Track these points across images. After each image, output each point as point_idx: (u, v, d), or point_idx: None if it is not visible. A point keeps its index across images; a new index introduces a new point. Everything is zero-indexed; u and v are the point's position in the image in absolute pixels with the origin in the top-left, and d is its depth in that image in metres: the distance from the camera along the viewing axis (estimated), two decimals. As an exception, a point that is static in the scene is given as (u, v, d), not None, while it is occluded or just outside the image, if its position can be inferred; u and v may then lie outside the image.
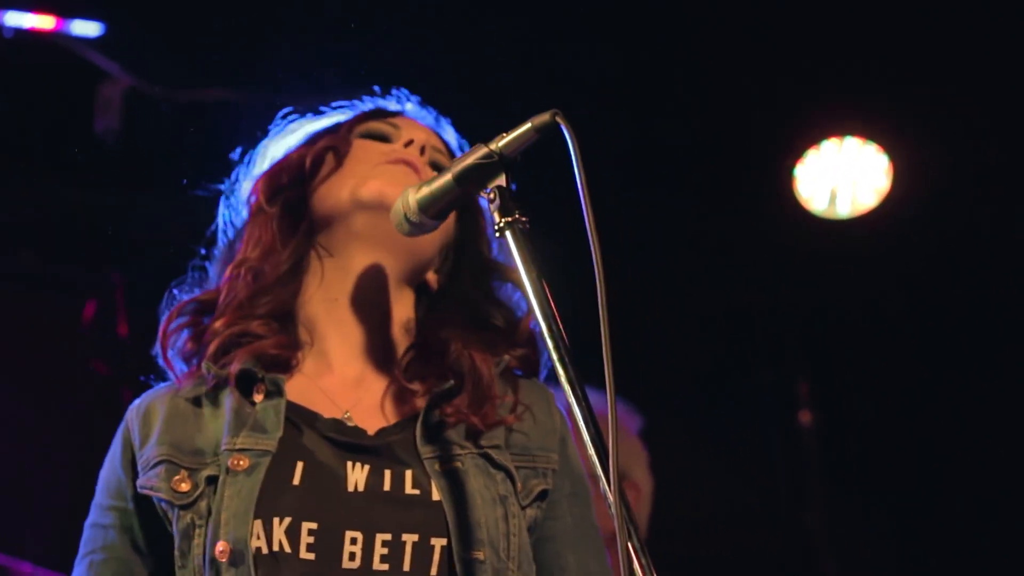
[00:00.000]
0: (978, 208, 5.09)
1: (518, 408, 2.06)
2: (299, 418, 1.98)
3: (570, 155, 1.73)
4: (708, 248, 5.24)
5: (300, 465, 1.90)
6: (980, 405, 5.25)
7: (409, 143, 2.12)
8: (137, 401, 2.06)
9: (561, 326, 1.74)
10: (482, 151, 1.84)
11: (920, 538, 5.52)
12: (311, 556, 1.83)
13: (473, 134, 1.90)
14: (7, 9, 4.28)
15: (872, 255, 5.23)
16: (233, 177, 2.24)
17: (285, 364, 2.03)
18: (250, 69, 4.05)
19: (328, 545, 1.84)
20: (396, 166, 2.08)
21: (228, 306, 2.06)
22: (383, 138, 2.17)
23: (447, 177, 1.87)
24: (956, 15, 4.55)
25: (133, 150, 4.38)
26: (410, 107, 2.28)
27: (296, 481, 1.89)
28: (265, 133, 2.28)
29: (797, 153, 5.20)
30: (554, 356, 1.72)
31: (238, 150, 2.26)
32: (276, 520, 1.84)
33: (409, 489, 1.90)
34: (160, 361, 2.08)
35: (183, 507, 1.89)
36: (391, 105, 2.27)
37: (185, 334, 2.08)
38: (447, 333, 2.10)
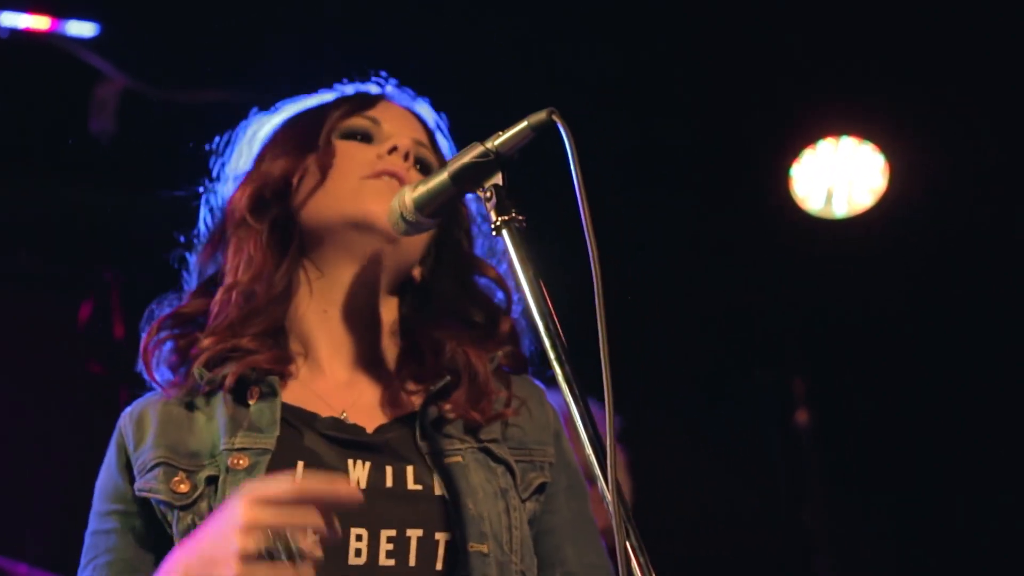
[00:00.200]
0: (974, 207, 5.09)
1: (513, 402, 2.06)
2: (296, 419, 1.97)
3: (566, 153, 1.72)
4: (705, 248, 5.24)
5: (300, 464, 1.90)
6: (979, 404, 5.26)
7: (393, 150, 2.09)
8: (129, 408, 2.05)
9: (558, 325, 1.73)
10: (478, 150, 1.84)
11: (919, 538, 5.53)
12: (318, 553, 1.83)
13: (473, 134, 1.90)
14: (2, 10, 4.28)
15: (868, 254, 5.24)
16: (215, 165, 2.22)
17: (279, 374, 2.03)
18: (247, 69, 4.05)
19: (334, 542, 1.83)
20: (380, 180, 2.05)
21: (219, 326, 2.04)
22: (365, 136, 2.14)
23: (443, 176, 1.87)
24: (952, 15, 4.55)
25: (130, 150, 4.38)
26: (389, 90, 2.25)
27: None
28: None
29: (793, 153, 5.21)
30: (551, 355, 1.72)
31: (216, 140, 2.25)
32: None
33: (411, 485, 1.90)
34: (145, 376, 2.07)
35: (183, 508, 1.89)
36: (371, 89, 2.25)
37: (169, 345, 2.06)
38: (439, 333, 2.10)
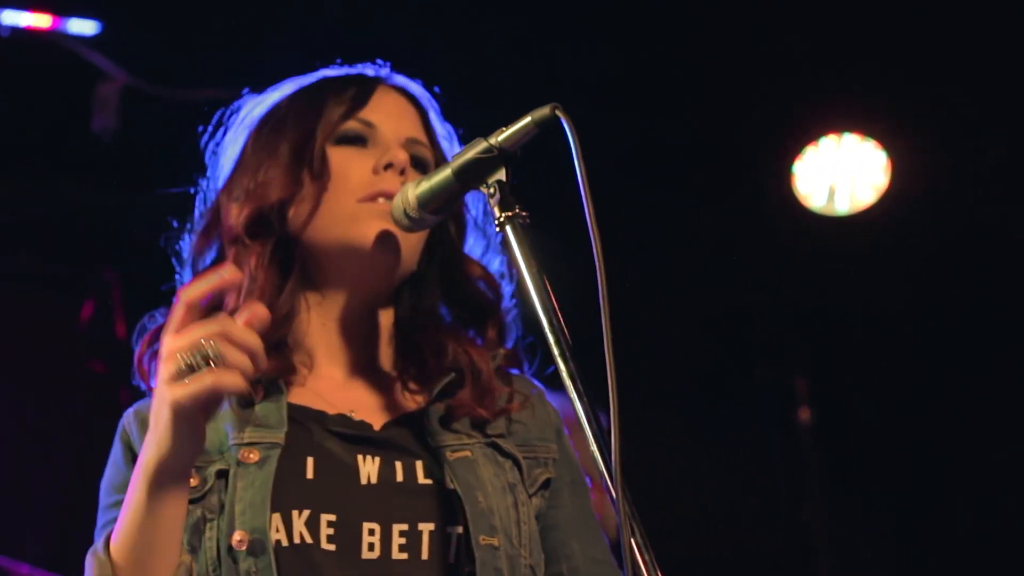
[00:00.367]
0: (977, 205, 5.09)
1: (517, 396, 2.07)
2: (303, 416, 1.97)
3: (570, 149, 1.72)
4: (707, 245, 5.24)
5: (311, 460, 1.90)
6: (980, 403, 5.25)
7: (388, 166, 2.04)
8: (133, 408, 2.04)
9: (562, 321, 1.73)
10: (481, 146, 1.83)
11: (920, 538, 5.52)
12: (332, 547, 1.84)
13: (472, 135, 1.90)
14: (3, 7, 4.28)
15: (871, 252, 5.24)
16: (210, 150, 2.20)
17: (283, 380, 2.02)
18: (248, 68, 4.04)
19: (348, 536, 1.85)
20: (376, 203, 2.01)
21: None
22: (359, 139, 2.09)
23: (446, 172, 1.86)
24: (954, 12, 4.55)
25: (131, 149, 4.38)
26: (384, 74, 2.20)
27: (310, 475, 1.89)
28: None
29: (796, 150, 5.21)
30: (555, 351, 1.72)
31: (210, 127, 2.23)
32: (295, 513, 1.84)
33: (421, 479, 1.91)
34: (143, 387, 2.06)
35: (192, 501, 1.87)
36: (367, 72, 2.20)
37: None
38: (439, 334, 2.09)
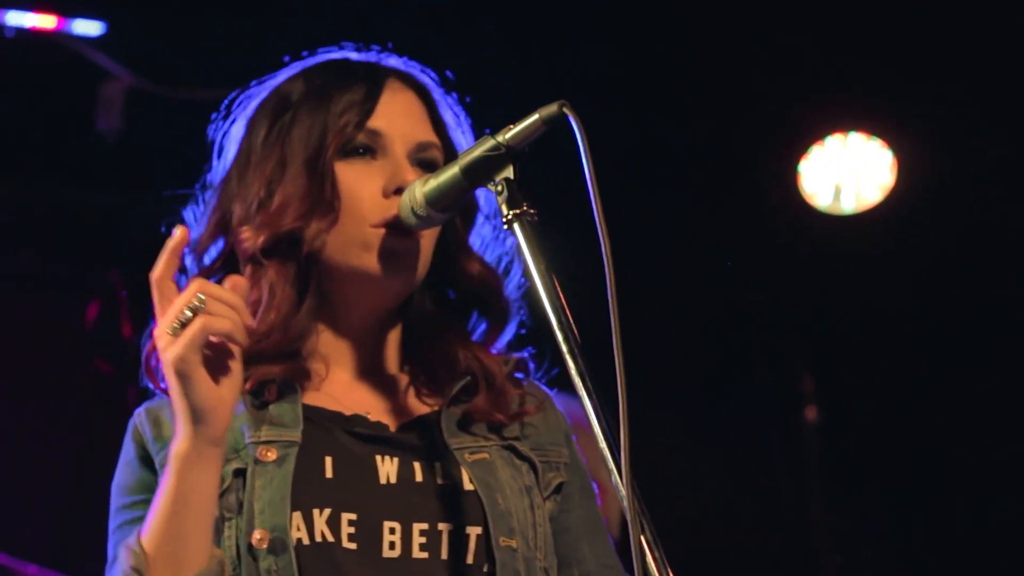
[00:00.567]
0: (983, 204, 5.09)
1: (530, 399, 2.07)
2: (319, 416, 1.97)
3: (577, 146, 1.72)
4: (712, 244, 5.23)
5: (329, 459, 1.90)
6: (984, 403, 5.25)
7: (399, 190, 1.99)
8: (143, 407, 2.03)
9: (571, 319, 1.73)
10: (489, 143, 1.83)
11: (922, 537, 5.52)
12: (353, 546, 1.84)
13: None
14: (8, 8, 4.29)
15: (876, 251, 5.23)
16: (218, 137, 2.18)
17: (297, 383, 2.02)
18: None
19: (369, 535, 1.85)
20: (383, 231, 1.99)
21: None
22: (367, 150, 2.04)
23: (454, 170, 1.86)
24: (961, 10, 4.56)
25: (136, 149, 4.38)
26: (392, 68, 2.14)
27: (329, 474, 1.89)
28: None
29: (800, 149, 5.20)
30: (563, 348, 1.72)
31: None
32: (316, 512, 1.85)
33: (440, 480, 1.92)
34: (153, 388, 2.05)
35: None
36: (372, 58, 2.16)
37: None
38: (448, 343, 2.08)
